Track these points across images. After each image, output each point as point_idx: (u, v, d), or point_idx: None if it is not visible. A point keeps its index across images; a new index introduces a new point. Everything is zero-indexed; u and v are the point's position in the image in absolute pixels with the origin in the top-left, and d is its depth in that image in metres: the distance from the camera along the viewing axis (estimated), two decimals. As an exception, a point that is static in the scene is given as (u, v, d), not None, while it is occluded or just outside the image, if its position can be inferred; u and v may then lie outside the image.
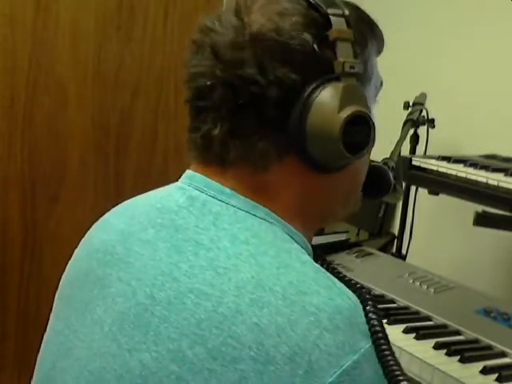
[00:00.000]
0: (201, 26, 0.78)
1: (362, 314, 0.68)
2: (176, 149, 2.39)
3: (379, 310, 0.69)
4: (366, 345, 0.66)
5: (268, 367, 0.64)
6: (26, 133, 2.21)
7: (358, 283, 0.73)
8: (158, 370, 0.67)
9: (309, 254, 0.76)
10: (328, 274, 0.72)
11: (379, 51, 0.84)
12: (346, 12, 0.76)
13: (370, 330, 0.67)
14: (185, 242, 0.73)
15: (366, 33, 0.80)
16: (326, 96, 0.73)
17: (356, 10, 0.81)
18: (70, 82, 2.25)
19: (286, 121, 0.74)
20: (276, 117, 0.74)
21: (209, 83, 0.75)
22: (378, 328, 0.67)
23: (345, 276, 0.75)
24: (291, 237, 0.76)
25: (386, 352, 0.66)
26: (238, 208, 0.75)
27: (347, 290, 0.70)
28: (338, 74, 0.74)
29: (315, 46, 0.73)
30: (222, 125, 0.75)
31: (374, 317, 0.68)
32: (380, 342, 0.66)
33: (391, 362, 0.66)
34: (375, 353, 0.66)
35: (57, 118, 2.24)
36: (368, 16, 0.83)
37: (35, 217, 2.26)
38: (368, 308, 0.68)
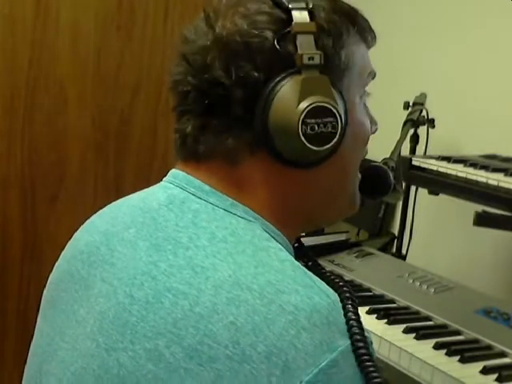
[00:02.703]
0: (181, 37, 0.80)
1: (341, 312, 0.67)
2: (176, 149, 2.39)
3: (357, 308, 0.68)
4: (345, 343, 0.66)
5: (244, 366, 0.63)
6: (26, 133, 2.21)
7: (340, 281, 0.73)
8: (134, 369, 0.67)
9: (289, 253, 0.75)
10: (308, 272, 0.71)
11: (366, 40, 0.82)
12: (310, 5, 0.76)
13: (348, 330, 0.66)
14: (164, 240, 0.74)
15: (341, 23, 0.79)
16: (286, 90, 0.73)
17: (331, 1, 0.80)
18: (70, 82, 2.24)
19: (252, 118, 0.74)
20: (243, 114, 0.74)
21: (185, 89, 0.77)
22: (356, 329, 0.66)
23: (327, 273, 0.75)
24: (270, 235, 0.75)
25: (363, 352, 0.65)
26: (217, 206, 0.75)
27: (327, 288, 0.70)
28: (298, 67, 0.74)
29: (275, 42, 0.74)
30: (194, 122, 0.77)
31: (352, 316, 0.67)
32: (358, 345, 0.66)
33: (367, 364, 0.65)
34: (353, 353, 0.66)
35: (57, 117, 2.24)
36: (346, 7, 0.81)
37: (35, 217, 2.26)
38: (348, 307, 0.68)
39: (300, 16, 0.74)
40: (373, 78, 0.84)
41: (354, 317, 0.67)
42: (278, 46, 0.74)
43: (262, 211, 0.77)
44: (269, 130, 0.74)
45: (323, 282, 0.70)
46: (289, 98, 0.73)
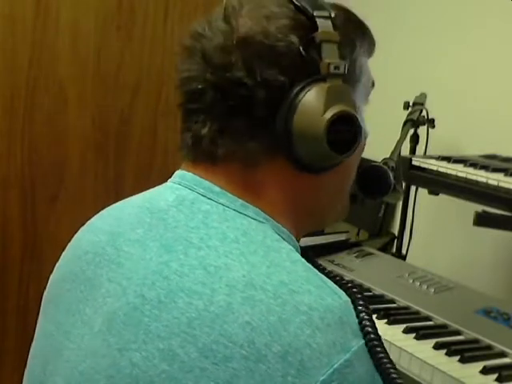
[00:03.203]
0: (192, 32, 0.79)
1: (353, 312, 0.69)
2: (176, 149, 2.39)
3: (370, 309, 0.69)
4: (358, 343, 0.67)
5: (259, 366, 0.64)
6: (26, 133, 2.21)
7: (348, 282, 0.74)
8: (148, 369, 0.67)
9: (298, 254, 0.76)
10: (318, 272, 0.72)
11: (370, 52, 0.84)
12: (333, 14, 0.77)
13: (361, 329, 0.67)
14: (175, 240, 0.74)
15: (354, 34, 0.81)
16: (312, 97, 0.74)
17: (345, 11, 0.82)
18: (70, 82, 2.25)
19: (274, 122, 0.75)
20: (264, 118, 0.75)
21: (200, 87, 0.77)
22: (369, 329, 0.67)
23: (336, 275, 0.76)
24: (280, 236, 0.76)
25: (379, 351, 0.67)
26: (227, 207, 0.76)
27: (338, 288, 0.71)
28: (324, 75, 0.75)
29: (301, 48, 0.74)
30: (211, 125, 0.76)
31: (365, 316, 0.68)
32: (373, 343, 0.67)
33: (385, 360, 0.66)
34: (369, 353, 0.67)
35: (57, 117, 2.24)
36: (357, 18, 0.83)
37: (35, 217, 2.26)
38: (359, 308, 0.69)
39: (324, 24, 0.75)
40: (372, 87, 0.85)
41: (366, 317, 0.68)
42: (303, 52, 0.74)
43: (273, 212, 0.77)
44: (292, 134, 0.74)
45: (333, 283, 0.71)
46: (315, 104, 0.74)
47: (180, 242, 0.73)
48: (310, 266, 0.73)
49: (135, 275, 0.73)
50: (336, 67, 0.75)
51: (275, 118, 0.74)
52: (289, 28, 0.75)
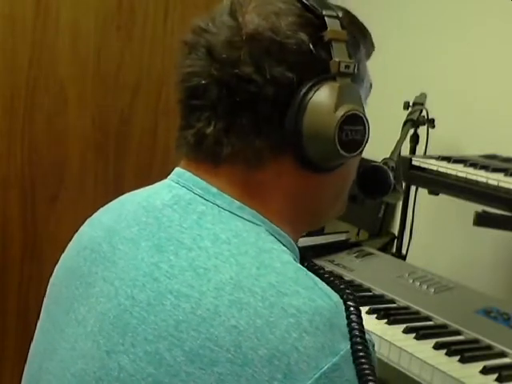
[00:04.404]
0: (193, 28, 0.79)
1: (344, 315, 0.67)
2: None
3: (360, 312, 0.68)
4: (347, 346, 0.65)
5: (246, 370, 0.63)
6: (26, 133, 2.21)
7: (342, 283, 0.72)
8: (135, 372, 0.67)
9: (296, 256, 0.75)
10: (310, 274, 0.71)
11: (369, 55, 0.84)
12: (340, 14, 0.77)
13: (349, 333, 0.66)
14: (167, 241, 0.73)
15: (358, 35, 0.81)
16: (323, 95, 0.74)
17: (347, 13, 0.82)
18: (70, 82, 2.25)
19: (282, 119, 0.74)
20: (272, 115, 0.74)
21: (204, 82, 0.75)
22: (356, 332, 0.66)
23: (329, 276, 0.75)
24: (277, 238, 0.75)
25: (363, 362, 0.65)
26: (223, 208, 0.75)
27: (329, 290, 0.69)
28: (334, 73, 0.74)
29: (311, 46, 0.74)
30: (216, 123, 0.75)
31: (354, 319, 0.67)
32: (358, 349, 0.65)
33: (367, 372, 0.65)
34: (352, 357, 0.65)
35: (57, 117, 2.24)
36: (358, 20, 0.84)
37: (35, 217, 2.26)
38: (350, 309, 0.68)
39: (333, 23, 0.75)
40: (370, 89, 0.86)
41: (355, 319, 0.67)
42: (313, 50, 0.74)
43: (273, 215, 0.76)
44: (301, 132, 0.74)
45: (325, 284, 0.70)
46: (326, 102, 0.73)
47: (172, 242, 0.73)
48: (301, 267, 0.72)
49: (127, 276, 0.73)
50: (346, 66, 0.74)
51: (282, 116, 0.74)
52: (298, 25, 0.74)
